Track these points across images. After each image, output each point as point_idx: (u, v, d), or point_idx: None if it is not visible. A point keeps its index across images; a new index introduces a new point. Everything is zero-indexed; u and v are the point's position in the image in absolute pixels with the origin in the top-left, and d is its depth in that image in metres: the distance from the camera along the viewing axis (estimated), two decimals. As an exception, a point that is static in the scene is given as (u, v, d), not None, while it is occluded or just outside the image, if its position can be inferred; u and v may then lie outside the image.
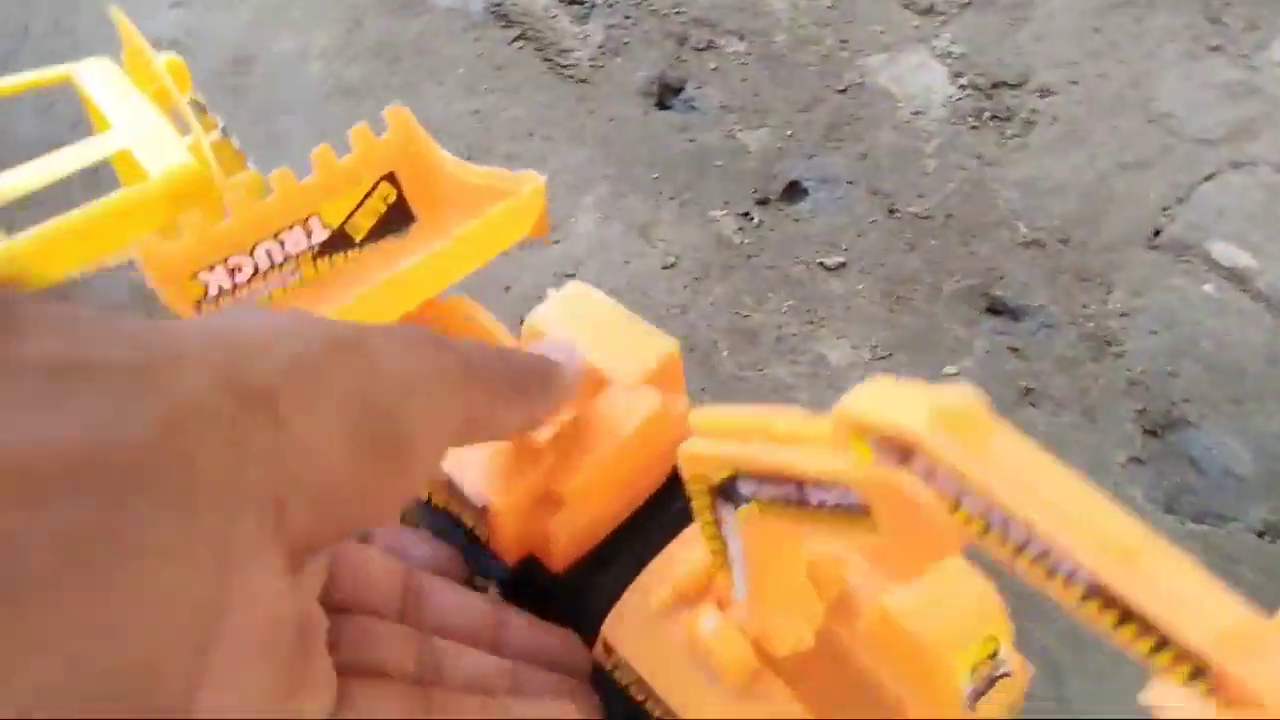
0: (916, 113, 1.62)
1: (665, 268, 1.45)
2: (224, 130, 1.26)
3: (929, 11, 1.71)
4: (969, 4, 1.73)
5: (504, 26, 1.78)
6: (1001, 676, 0.37)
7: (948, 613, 0.37)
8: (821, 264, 1.45)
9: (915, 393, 0.27)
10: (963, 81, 1.64)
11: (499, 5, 1.81)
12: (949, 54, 1.68)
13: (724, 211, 1.50)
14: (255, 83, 1.71)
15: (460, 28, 1.81)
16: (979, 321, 1.43)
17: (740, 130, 1.61)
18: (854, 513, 0.29)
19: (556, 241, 1.48)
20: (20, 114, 1.63)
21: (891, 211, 1.52)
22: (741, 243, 1.48)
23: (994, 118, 1.61)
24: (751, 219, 1.50)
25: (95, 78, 1.26)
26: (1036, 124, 1.61)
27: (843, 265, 1.45)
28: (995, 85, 1.64)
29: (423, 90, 1.68)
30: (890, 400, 0.27)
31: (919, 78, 1.60)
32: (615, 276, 1.43)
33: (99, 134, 1.20)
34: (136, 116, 1.19)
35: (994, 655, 0.37)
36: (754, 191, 1.53)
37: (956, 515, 0.25)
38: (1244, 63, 1.66)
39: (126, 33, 1.28)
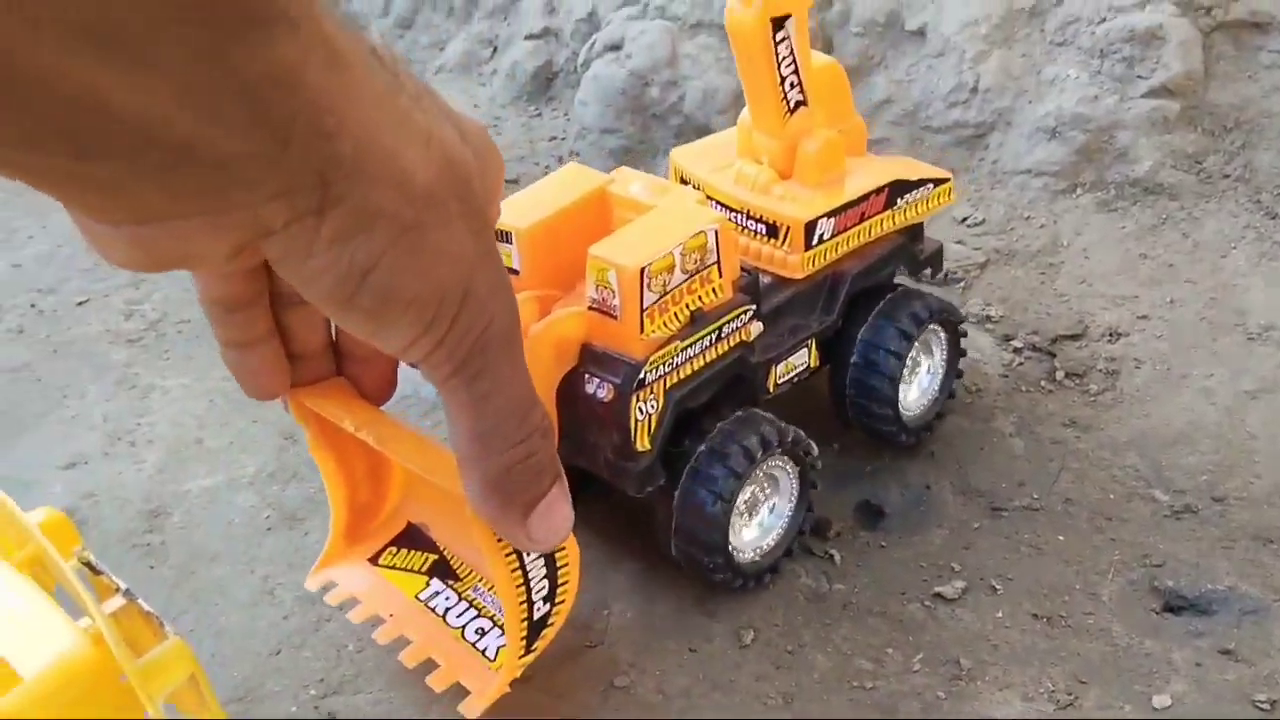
0: (976, 390, 1.36)
1: (743, 647, 1.11)
2: (128, 593, 0.92)
3: (946, 281, 1.49)
4: (986, 263, 1.52)
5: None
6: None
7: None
8: (939, 594, 1.12)
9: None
10: (1016, 344, 1.40)
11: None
12: (986, 318, 1.45)
13: (794, 560, 1.19)
14: (172, 536, 1.39)
15: (417, 412, 1.55)
16: (1164, 626, 1.11)
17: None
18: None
19: (592, 645, 1.14)
20: None
21: (995, 510, 1.23)
22: (831, 590, 1.15)
23: (1069, 375, 1.36)
24: (831, 558, 1.18)
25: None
26: (1120, 372, 1.36)
27: (965, 591, 1.13)
28: (1054, 341, 1.40)
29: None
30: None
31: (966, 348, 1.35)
32: (681, 669, 1.08)
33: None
34: (6, 604, 0.86)
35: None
36: (821, 526, 1.23)
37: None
38: (1323, 254, 1.45)
39: (-14, 497, 0.97)
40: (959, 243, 1.59)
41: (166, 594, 1.33)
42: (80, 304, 1.95)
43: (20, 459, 1.60)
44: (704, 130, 1.85)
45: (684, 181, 1.32)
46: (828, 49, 1.79)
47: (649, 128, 1.89)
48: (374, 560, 1.27)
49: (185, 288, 1.96)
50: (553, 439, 0.51)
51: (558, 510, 0.53)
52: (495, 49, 2.26)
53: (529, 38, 2.15)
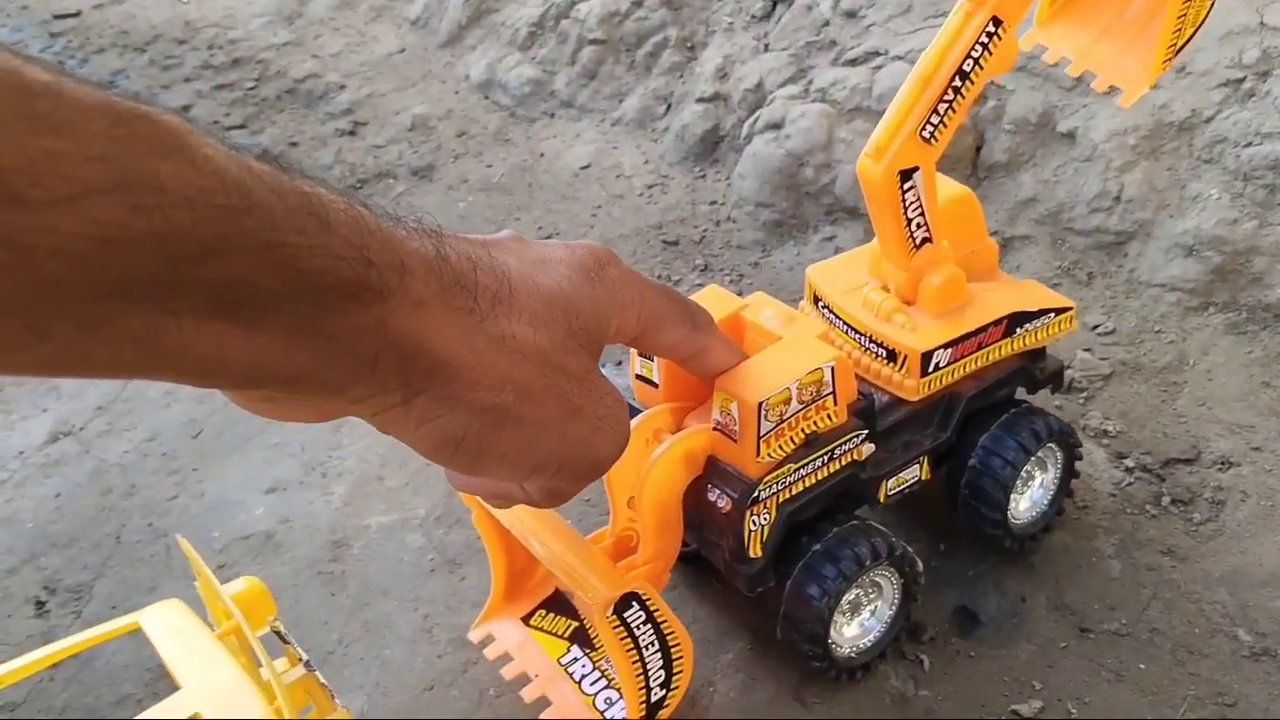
0: (1084, 507, 1.44)
1: (833, 742, 1.25)
2: (308, 664, 1.14)
3: (1070, 389, 1.57)
4: (1111, 375, 1.59)
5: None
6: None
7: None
8: (1016, 712, 1.23)
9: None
10: (1128, 463, 1.47)
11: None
12: (1103, 433, 1.52)
13: (887, 661, 1.31)
14: (351, 567, 1.61)
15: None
16: (1227, 764, 1.18)
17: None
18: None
19: (697, 720, 1.30)
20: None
21: (1083, 631, 1.32)
22: (916, 695, 1.28)
23: (1175, 502, 1.43)
24: (921, 663, 1.31)
25: (163, 625, 1.17)
26: (1225, 503, 1.42)
27: (1042, 710, 1.23)
28: (1166, 464, 1.47)
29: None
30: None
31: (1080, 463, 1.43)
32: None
33: (170, 696, 1.09)
34: (208, 670, 1.08)
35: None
36: (916, 629, 1.35)
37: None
38: None
39: (195, 565, 1.20)
40: (1087, 350, 1.66)
41: (343, 621, 1.56)
42: (288, 333, 2.21)
43: (229, 480, 1.87)
44: (853, 212, 1.96)
45: (816, 299, 1.44)
46: (979, 144, 1.86)
47: (801, 204, 2.01)
48: (526, 619, 1.47)
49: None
50: None
51: None
52: (669, 106, 2.41)
53: (700, 100, 2.29)
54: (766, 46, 2.23)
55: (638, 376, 1.38)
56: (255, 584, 1.18)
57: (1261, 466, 1.46)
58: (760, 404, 1.25)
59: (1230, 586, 1.34)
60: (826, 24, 2.12)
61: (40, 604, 1.72)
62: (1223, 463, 1.47)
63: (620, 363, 2.00)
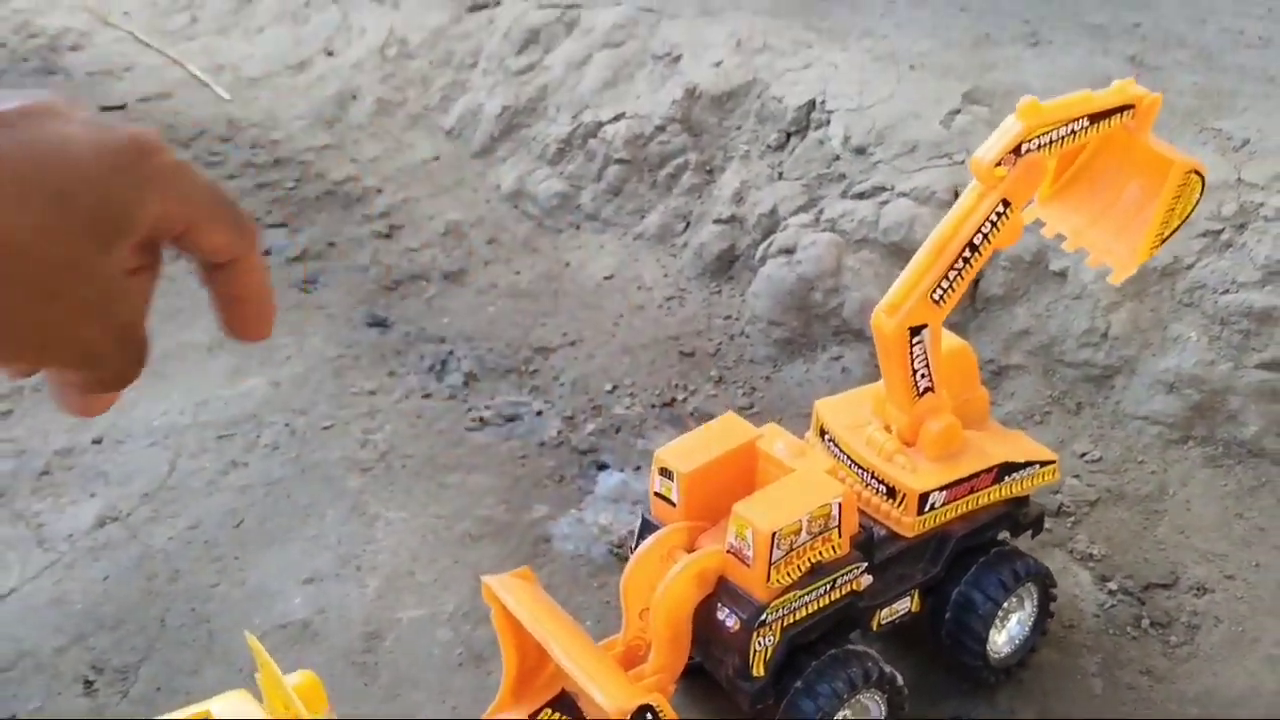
0: (1070, 626, 1.55)
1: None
2: (363, 758, 1.24)
3: (1059, 513, 1.69)
4: (1097, 501, 1.71)
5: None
6: None
7: None
8: (1001, 822, 1.33)
9: None
10: (1111, 586, 1.59)
11: (622, 545, 1.84)
12: (1089, 556, 1.64)
13: None
14: (383, 658, 1.72)
15: (586, 573, 1.84)
16: None
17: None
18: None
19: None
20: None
21: (1066, 749, 1.41)
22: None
23: (1154, 624, 1.53)
24: (914, 773, 1.40)
25: (231, 712, 1.28)
26: (1200, 627, 1.53)
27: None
28: (1146, 588, 1.58)
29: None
30: None
31: (1063, 584, 1.54)
32: None
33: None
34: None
35: None
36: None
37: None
38: None
39: (261, 657, 1.31)
40: (1075, 476, 1.78)
41: (374, 710, 1.66)
42: (325, 428, 2.34)
43: (268, 569, 1.98)
44: (859, 334, 2.10)
45: (823, 432, 1.57)
46: (978, 278, 2.00)
47: (811, 325, 2.15)
48: (532, 717, 1.57)
49: (412, 423, 2.33)
50: None
51: None
52: (688, 224, 2.56)
53: (717, 221, 2.44)
54: (780, 175, 2.39)
55: (656, 494, 1.50)
56: (311, 678, 1.29)
57: (1233, 594, 1.56)
58: (774, 534, 1.37)
59: (1202, 706, 1.44)
60: (837, 158, 2.27)
61: (89, 683, 1.82)
62: (1198, 589, 1.58)
63: (639, 467, 2.12)
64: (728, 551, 1.38)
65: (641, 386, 2.28)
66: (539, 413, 2.30)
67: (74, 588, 2.05)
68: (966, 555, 1.49)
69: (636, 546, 1.48)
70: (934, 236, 1.40)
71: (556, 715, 1.56)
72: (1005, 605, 1.47)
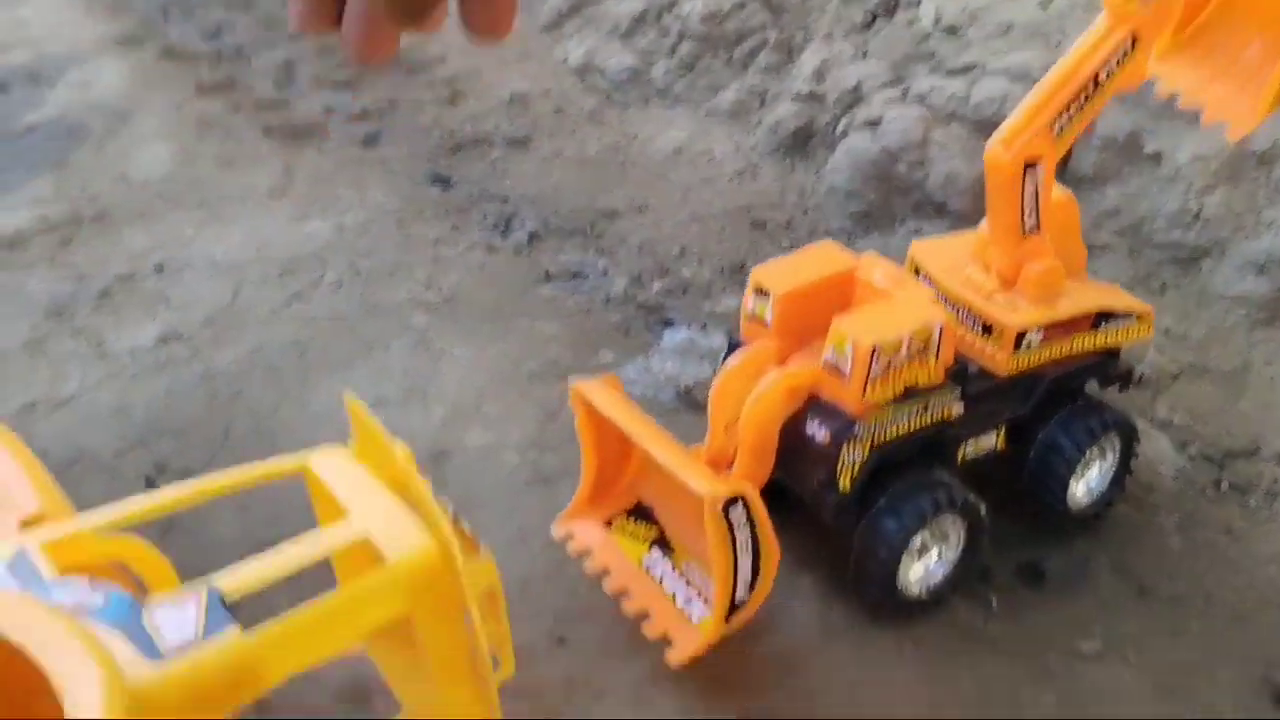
0: (1148, 487, 1.55)
1: (902, 658, 1.35)
2: (455, 516, 1.25)
3: (1139, 383, 1.67)
4: (1179, 374, 1.70)
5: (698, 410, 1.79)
6: None
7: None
8: (1079, 653, 1.33)
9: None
10: (1190, 452, 1.58)
11: (690, 390, 1.83)
12: (1169, 423, 1.63)
13: (957, 598, 1.41)
14: (451, 478, 1.72)
15: (654, 415, 1.83)
16: (1268, 715, 1.27)
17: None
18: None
19: (773, 633, 1.39)
20: (217, 514, 1.64)
21: (1143, 591, 1.42)
22: (984, 629, 1.37)
23: (1233, 488, 1.52)
24: (990, 603, 1.41)
25: (330, 466, 1.28)
26: (1281, 495, 1.51)
27: (1101, 651, 1.33)
28: (1226, 455, 1.57)
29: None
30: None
31: (1142, 448, 1.52)
32: (848, 665, 1.32)
33: (327, 519, 1.20)
34: (373, 503, 1.19)
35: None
36: (986, 573, 1.44)
37: None
38: None
39: (362, 420, 1.31)
40: (1158, 350, 1.76)
41: (442, 524, 1.66)
42: (390, 271, 2.32)
43: (332, 394, 1.96)
44: (941, 208, 2.08)
45: (917, 271, 1.55)
46: (1068, 157, 1.98)
47: (891, 198, 2.12)
48: (607, 524, 1.57)
49: (477, 273, 2.32)
50: None
51: None
52: (763, 102, 2.53)
53: (795, 99, 2.41)
54: (865, 54, 2.35)
55: (748, 314, 1.49)
56: (406, 449, 1.29)
57: (1316, 466, 1.56)
58: (874, 347, 1.35)
59: (1281, 566, 1.43)
60: (927, 37, 2.24)
61: (150, 480, 1.83)
62: (1280, 459, 1.57)
63: (705, 325, 2.11)
64: (823, 367, 1.37)
65: (710, 253, 2.27)
66: (605, 272, 2.29)
67: (135, 398, 2.05)
68: (1055, 400, 1.48)
69: (724, 363, 1.47)
70: (1057, 69, 1.37)
71: (632, 521, 1.56)
72: (1088, 453, 1.46)
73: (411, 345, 2.09)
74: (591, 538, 1.55)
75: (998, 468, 1.51)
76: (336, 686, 1.48)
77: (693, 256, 2.27)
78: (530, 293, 2.23)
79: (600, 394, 1.45)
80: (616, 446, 1.55)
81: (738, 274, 2.19)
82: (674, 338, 2.06)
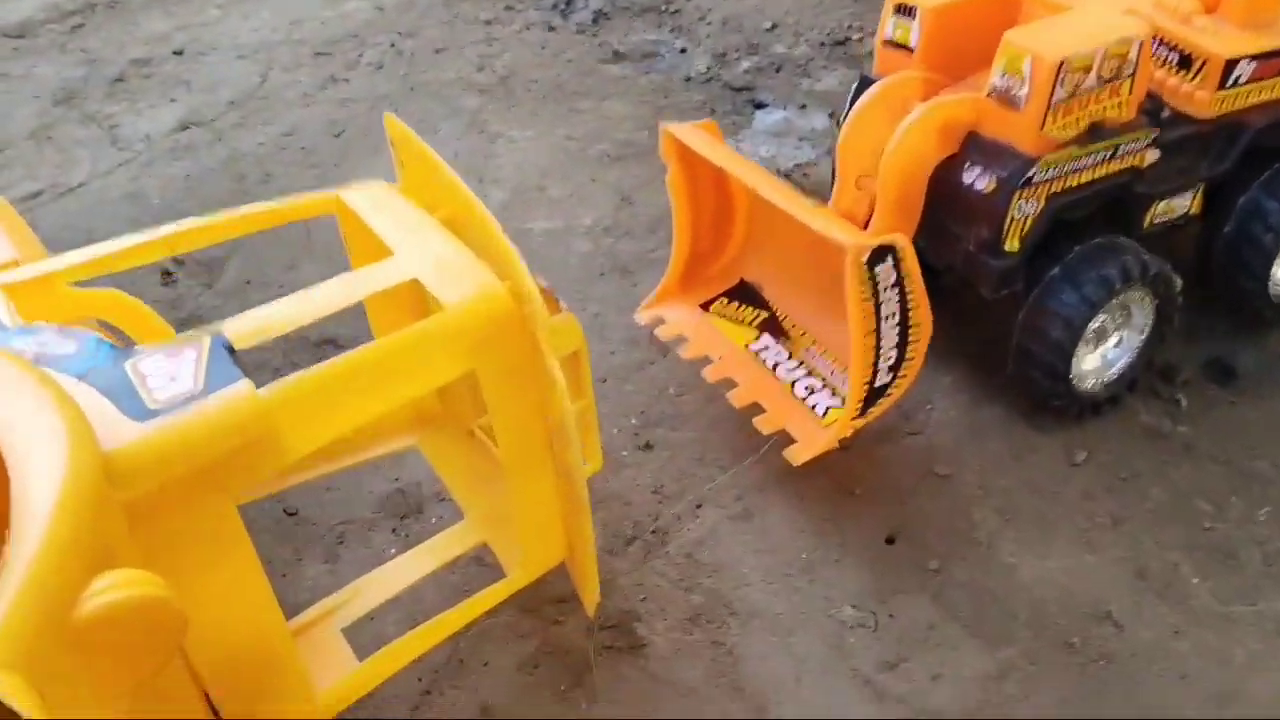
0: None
1: (1073, 465, 1.10)
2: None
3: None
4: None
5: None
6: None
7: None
8: (1289, 458, 1.07)
9: None
10: None
11: (788, 174, 1.55)
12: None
13: (1136, 397, 1.15)
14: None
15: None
16: None
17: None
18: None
19: (914, 433, 1.15)
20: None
21: (1361, 391, 1.14)
22: (1174, 431, 1.11)
23: None
24: (1178, 403, 1.14)
25: (367, 200, 1.03)
26: None
27: (1321, 460, 1.07)
28: None
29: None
30: None
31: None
32: (1004, 470, 1.08)
33: (364, 264, 0.94)
34: (424, 241, 0.93)
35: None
36: (1169, 371, 1.18)
37: None
38: None
39: (409, 144, 1.04)
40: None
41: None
42: (438, 51, 2.04)
43: (373, 177, 1.71)
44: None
45: (1094, -6, 1.24)
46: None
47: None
48: (705, 307, 1.31)
49: (535, 53, 2.02)
50: None
51: None
52: None
53: None
54: None
55: (886, 41, 1.20)
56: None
57: None
58: (1061, 62, 1.06)
59: None
60: None
61: (167, 274, 1.59)
62: None
63: (805, 106, 1.81)
64: (989, 95, 1.08)
65: (808, 26, 1.95)
66: (683, 50, 1.98)
67: (151, 184, 1.80)
68: (1262, 157, 1.18)
69: (852, 105, 1.19)
70: None
71: (735, 304, 1.31)
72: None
73: (463, 127, 1.81)
74: (686, 321, 1.29)
75: (1182, 243, 1.23)
76: (383, 495, 1.26)
77: (787, 30, 1.96)
78: (597, 73, 1.94)
79: (698, 139, 1.17)
80: (716, 211, 1.28)
81: (839, 47, 1.87)
82: (767, 119, 1.77)
